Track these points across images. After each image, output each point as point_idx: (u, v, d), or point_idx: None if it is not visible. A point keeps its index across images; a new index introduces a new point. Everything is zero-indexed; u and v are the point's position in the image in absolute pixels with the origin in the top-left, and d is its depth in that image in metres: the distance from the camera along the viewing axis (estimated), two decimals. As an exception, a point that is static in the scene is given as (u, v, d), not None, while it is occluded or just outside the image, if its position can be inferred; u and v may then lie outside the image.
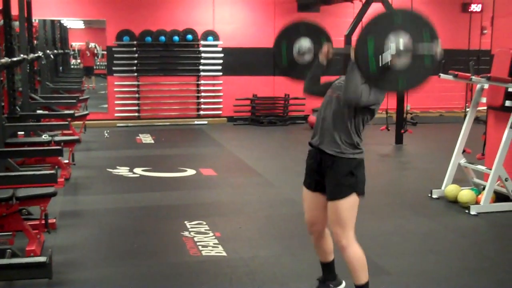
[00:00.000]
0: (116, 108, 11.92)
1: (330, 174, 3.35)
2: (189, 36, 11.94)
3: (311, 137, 3.49)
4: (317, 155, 3.44)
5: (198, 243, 4.78)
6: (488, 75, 5.90)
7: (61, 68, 16.15)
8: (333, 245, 3.59)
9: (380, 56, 2.93)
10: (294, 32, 3.74)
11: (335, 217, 3.33)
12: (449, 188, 6.14)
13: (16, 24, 8.23)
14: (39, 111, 8.60)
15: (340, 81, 3.41)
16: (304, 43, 3.69)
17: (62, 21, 15.61)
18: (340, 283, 3.73)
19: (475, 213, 5.68)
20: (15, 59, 6.88)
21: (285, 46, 3.75)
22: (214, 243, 4.79)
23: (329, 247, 3.62)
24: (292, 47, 3.72)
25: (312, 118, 11.52)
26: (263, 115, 12.25)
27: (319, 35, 3.70)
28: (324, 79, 3.56)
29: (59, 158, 6.60)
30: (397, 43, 2.92)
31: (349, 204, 3.30)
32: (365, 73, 2.97)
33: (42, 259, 3.41)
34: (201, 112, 12.26)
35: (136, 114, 11.99)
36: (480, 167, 6.16)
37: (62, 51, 15.81)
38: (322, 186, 3.42)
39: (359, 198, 3.35)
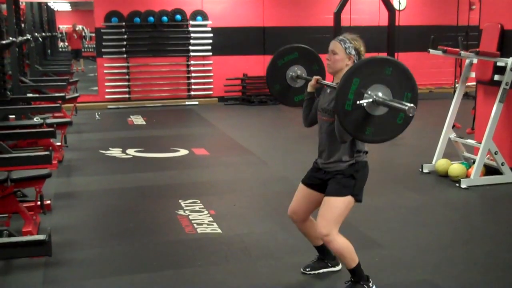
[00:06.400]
0: (107, 90, 11.88)
1: (332, 177, 3.42)
2: (178, 16, 11.89)
3: (318, 156, 3.56)
4: (322, 173, 3.50)
5: (193, 221, 4.84)
6: (477, 49, 5.95)
7: (49, 51, 16.06)
8: None
9: (358, 99, 2.98)
10: (289, 57, 3.85)
11: (325, 211, 3.37)
12: (439, 162, 6.22)
13: (3, 7, 8.19)
14: (29, 94, 8.59)
15: (325, 99, 3.46)
16: (297, 69, 3.82)
17: (49, 4, 15.49)
18: (337, 264, 3.81)
19: (466, 187, 5.76)
20: (3, 42, 6.85)
21: (279, 68, 3.85)
22: (209, 221, 4.84)
23: (315, 232, 3.63)
24: (285, 71, 3.84)
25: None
26: (254, 95, 12.25)
27: (312, 63, 3.82)
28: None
29: (52, 140, 6.60)
30: (377, 93, 2.96)
31: (343, 204, 3.35)
32: (340, 108, 3.01)
33: (41, 237, 3.44)
34: (192, 93, 12.25)
35: (127, 95, 11.96)
36: (470, 141, 6.24)
37: (49, 34, 15.71)
38: (320, 187, 3.49)
39: (355, 202, 3.41)
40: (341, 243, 3.37)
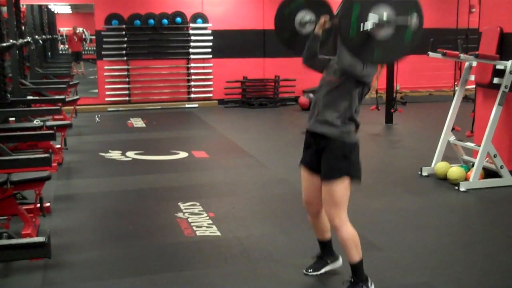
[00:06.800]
0: (107, 93, 11.90)
1: (325, 156, 3.41)
2: (178, 19, 11.91)
3: (307, 120, 3.55)
4: (311, 138, 3.51)
5: (192, 224, 4.84)
6: (476, 52, 5.96)
7: (49, 53, 16.07)
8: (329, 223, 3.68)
9: (362, 23, 2.96)
10: (296, 3, 3.76)
11: (328, 198, 3.40)
12: (438, 165, 6.23)
13: (4, 9, 8.20)
14: (29, 97, 8.59)
15: (333, 63, 3.47)
16: (306, 14, 3.71)
17: (49, 6, 15.51)
18: (337, 258, 3.82)
19: (465, 190, 5.76)
20: (4, 44, 6.86)
21: (287, 17, 3.76)
22: (208, 223, 4.85)
23: (325, 226, 3.70)
24: (293, 18, 3.75)
25: (303, 99, 11.56)
26: (254, 97, 12.27)
27: (320, 7, 3.70)
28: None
29: (52, 142, 6.61)
30: (381, 13, 2.94)
31: (342, 186, 3.36)
32: (344, 37, 3.00)
33: (41, 239, 3.45)
34: (192, 95, 12.26)
35: (127, 98, 11.97)
36: (469, 144, 6.25)
37: (50, 36, 15.73)
38: (319, 167, 3.47)
39: (353, 182, 3.41)
40: (348, 232, 3.40)
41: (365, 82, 3.34)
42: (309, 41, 3.57)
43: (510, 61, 5.74)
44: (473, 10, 11.84)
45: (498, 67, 5.87)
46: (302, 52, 3.68)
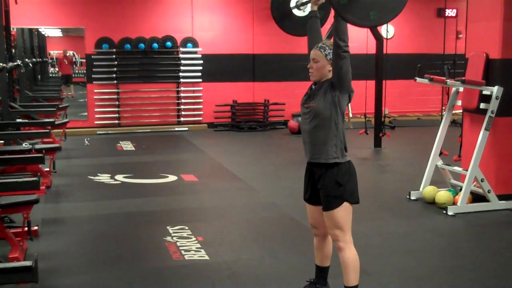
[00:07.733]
0: (96, 116, 11.91)
1: (321, 187, 3.46)
2: (169, 43, 11.99)
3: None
4: (309, 168, 3.57)
5: (180, 248, 4.83)
6: (463, 78, 6.04)
7: (39, 76, 16.06)
8: (332, 252, 3.72)
9: None
10: None
11: (330, 223, 3.44)
12: (426, 189, 6.26)
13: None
14: (19, 120, 8.58)
15: (309, 92, 3.52)
16: None
17: (40, 30, 15.55)
18: None
19: (452, 214, 5.80)
20: (-6, 67, 6.88)
21: (282, 6, 3.80)
22: (196, 247, 4.84)
23: (328, 252, 3.72)
24: (289, 5, 3.77)
25: (292, 123, 11.61)
26: (243, 121, 12.32)
27: None
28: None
29: (40, 166, 6.59)
30: None
31: (342, 212, 3.41)
32: (336, 5, 2.96)
33: (28, 263, 3.42)
34: (182, 119, 12.30)
35: (116, 121, 11.99)
36: (457, 169, 6.29)
37: (40, 59, 15.74)
38: (319, 199, 3.51)
39: (352, 205, 3.46)
40: (353, 254, 3.46)
41: (344, 87, 3.35)
42: (309, 24, 3.62)
43: (496, 86, 5.82)
44: (460, 36, 12.01)
45: (484, 92, 5.95)
46: (293, 32, 3.72)
